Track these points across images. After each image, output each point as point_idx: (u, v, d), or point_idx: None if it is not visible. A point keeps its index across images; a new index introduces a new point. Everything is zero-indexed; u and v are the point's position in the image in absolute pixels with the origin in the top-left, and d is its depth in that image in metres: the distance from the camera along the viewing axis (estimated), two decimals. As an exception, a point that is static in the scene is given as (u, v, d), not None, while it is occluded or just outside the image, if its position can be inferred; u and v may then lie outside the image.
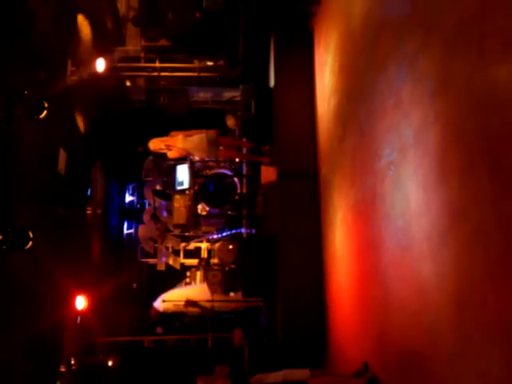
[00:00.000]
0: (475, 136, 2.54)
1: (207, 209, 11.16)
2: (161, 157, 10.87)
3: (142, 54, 10.72)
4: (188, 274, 11.39)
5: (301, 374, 3.97)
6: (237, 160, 11.07)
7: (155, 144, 8.04)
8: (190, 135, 7.99)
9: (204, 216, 11.13)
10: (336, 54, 5.87)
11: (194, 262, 11.82)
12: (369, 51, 4.48)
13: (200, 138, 7.95)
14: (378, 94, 4.12)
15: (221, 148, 8.58)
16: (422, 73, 3.21)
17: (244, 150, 10.52)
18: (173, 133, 8.09)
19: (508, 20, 2.26)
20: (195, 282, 11.05)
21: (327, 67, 6.36)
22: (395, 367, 3.68)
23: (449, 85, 2.84)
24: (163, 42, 10.23)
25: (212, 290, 8.29)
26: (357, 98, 4.92)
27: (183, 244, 11.98)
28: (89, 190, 9.79)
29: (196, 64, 10.93)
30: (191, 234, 11.72)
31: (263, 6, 7.63)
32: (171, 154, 8.13)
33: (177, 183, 9.54)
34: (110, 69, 9.87)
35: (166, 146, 7.95)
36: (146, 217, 11.75)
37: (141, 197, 12.49)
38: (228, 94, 11.76)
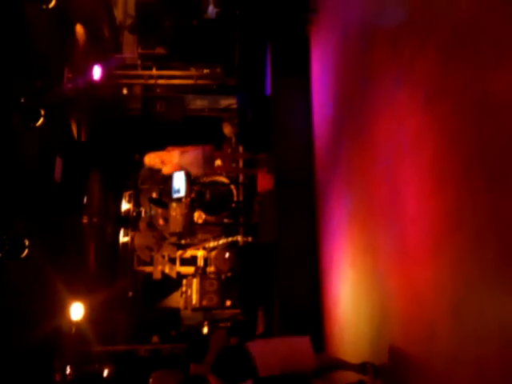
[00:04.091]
0: (471, 143, 2.54)
1: (203, 217, 11.14)
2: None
3: (139, 62, 10.75)
4: (184, 282, 11.35)
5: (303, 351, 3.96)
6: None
7: (151, 159, 8.00)
8: (186, 151, 7.96)
9: (200, 224, 11.11)
10: (332, 61, 5.89)
11: (190, 270, 11.78)
12: (365, 58, 4.50)
13: (196, 154, 7.93)
14: (374, 101, 4.14)
15: (217, 162, 8.58)
16: (418, 80, 3.22)
17: (240, 161, 10.54)
18: (169, 148, 8.06)
19: (503, 27, 2.27)
20: (191, 291, 11.02)
21: (324, 75, 6.38)
22: (392, 373, 3.67)
23: (445, 92, 2.85)
24: (160, 50, 10.25)
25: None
26: (353, 105, 4.93)
27: (179, 252, 11.94)
28: (85, 198, 9.76)
29: (193, 72, 10.95)
30: (187, 241, 11.68)
31: (260, 13, 7.66)
32: (166, 170, 8.10)
33: (173, 191, 9.51)
34: (107, 76, 9.88)
35: (161, 160, 7.91)
36: (142, 225, 11.71)
37: (137, 205, 12.45)
38: (225, 102, 11.77)
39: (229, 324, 11.15)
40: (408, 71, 3.38)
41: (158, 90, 11.76)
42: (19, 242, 5.87)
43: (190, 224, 10.20)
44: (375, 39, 4.19)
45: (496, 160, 2.32)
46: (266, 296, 7.23)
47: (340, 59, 5.55)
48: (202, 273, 11.30)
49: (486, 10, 2.43)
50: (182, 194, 9.30)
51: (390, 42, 3.82)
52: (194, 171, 8.37)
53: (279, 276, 6.53)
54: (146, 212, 11.76)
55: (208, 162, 7.99)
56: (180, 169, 8.12)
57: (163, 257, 11.82)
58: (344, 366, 4.28)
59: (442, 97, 2.88)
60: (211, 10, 9.83)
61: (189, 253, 12.08)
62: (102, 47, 10.34)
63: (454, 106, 2.73)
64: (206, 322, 11.40)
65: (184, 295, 11.25)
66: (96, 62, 9.25)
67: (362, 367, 3.99)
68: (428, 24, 3.09)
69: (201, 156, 7.89)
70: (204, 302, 10.92)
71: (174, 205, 9.86)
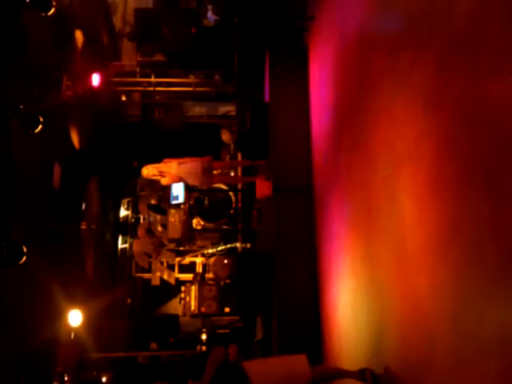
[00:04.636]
0: (469, 150, 2.55)
1: (202, 223, 11.15)
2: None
3: (138, 69, 10.78)
4: (183, 288, 11.33)
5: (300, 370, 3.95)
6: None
7: (149, 170, 7.99)
8: (184, 162, 7.96)
9: (199, 230, 11.11)
10: (330, 69, 5.91)
11: (188, 276, 11.77)
12: (363, 67, 4.51)
13: (194, 165, 7.91)
14: (372, 108, 4.15)
15: (215, 172, 8.58)
16: (416, 88, 3.23)
17: (239, 170, 10.56)
18: (166, 160, 8.05)
19: (500, 36, 2.28)
20: (190, 297, 11.00)
21: (322, 82, 6.40)
22: (390, 382, 3.66)
23: (442, 100, 2.86)
24: (159, 57, 10.29)
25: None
26: (351, 112, 4.94)
27: (178, 258, 11.94)
28: (83, 205, 9.76)
29: (191, 79, 10.99)
30: (186, 248, 11.68)
31: (258, 21, 7.69)
32: (164, 181, 8.09)
33: (172, 197, 9.53)
34: (106, 83, 9.90)
35: (159, 172, 7.90)
36: (140, 231, 11.70)
37: (136, 211, 12.45)
38: (223, 109, 11.81)
39: (227, 330, 11.14)
40: (406, 79, 3.40)
41: (157, 97, 11.78)
42: (17, 248, 5.86)
43: (188, 230, 10.21)
44: (373, 47, 4.21)
45: (494, 168, 2.32)
46: (264, 302, 7.21)
47: (338, 66, 5.56)
48: (200, 279, 11.28)
49: (484, 19, 2.44)
50: (181, 200, 9.32)
51: (388, 49, 3.84)
52: (193, 182, 8.36)
53: (278, 282, 6.52)
54: (144, 218, 11.76)
55: (206, 173, 7.99)
56: (178, 180, 8.11)
57: (162, 263, 11.81)
58: (342, 374, 4.26)
59: (440, 105, 2.89)
60: (210, 15, 9.89)
61: (187, 259, 12.07)
62: (101, 54, 10.36)
63: (453, 114, 2.74)
64: (204, 329, 11.38)
65: (183, 302, 11.23)
66: (95, 69, 9.28)
67: (361, 374, 3.99)
68: (426, 32, 3.10)
69: (199, 167, 7.89)
70: (203, 309, 10.90)
71: (172, 211, 9.88)
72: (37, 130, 6.50)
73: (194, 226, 10.96)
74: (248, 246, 10.26)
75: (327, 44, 6.14)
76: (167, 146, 10.64)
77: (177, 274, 11.99)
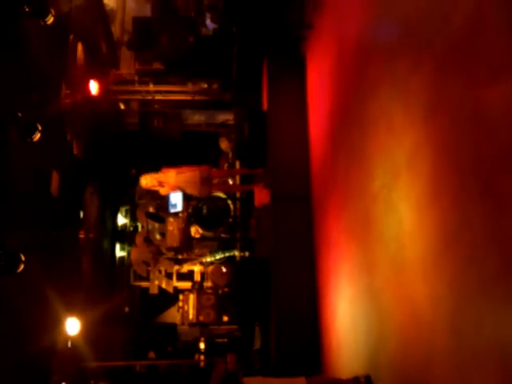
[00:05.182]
0: (467, 158, 2.55)
1: (201, 231, 11.12)
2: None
3: (136, 78, 10.79)
4: (181, 297, 11.29)
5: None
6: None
7: (147, 181, 7.99)
8: (183, 172, 7.96)
9: (197, 239, 11.09)
10: (328, 77, 5.92)
11: (187, 285, 11.73)
12: (361, 74, 4.52)
13: (193, 175, 7.92)
14: (370, 116, 4.15)
15: (213, 181, 8.59)
16: (414, 96, 3.23)
17: (237, 178, 10.55)
18: (164, 169, 8.06)
19: (497, 44, 2.29)
20: (188, 306, 10.96)
21: (320, 90, 6.41)
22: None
23: (440, 108, 2.86)
24: (157, 66, 10.30)
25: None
26: (349, 120, 4.95)
27: (176, 267, 11.90)
28: (82, 213, 9.75)
29: (190, 87, 11.00)
30: (184, 256, 11.64)
31: (256, 30, 7.72)
32: (163, 191, 8.09)
33: (170, 206, 9.51)
34: (104, 92, 9.91)
35: (158, 182, 7.91)
36: (138, 239, 11.67)
37: (134, 219, 12.44)
38: (222, 117, 11.81)
39: (226, 339, 11.09)
40: (404, 86, 3.40)
41: (156, 106, 11.79)
42: (15, 256, 5.84)
43: (186, 239, 10.17)
44: (371, 54, 4.22)
45: (493, 174, 2.32)
46: (263, 311, 7.19)
47: (336, 74, 5.57)
48: (198, 288, 11.24)
49: (481, 26, 2.45)
50: (179, 208, 9.29)
51: (385, 56, 3.85)
52: (192, 192, 8.36)
53: (276, 291, 6.50)
54: (142, 227, 11.74)
55: (205, 182, 7.99)
56: (177, 189, 8.11)
57: (160, 272, 11.77)
58: (339, 383, 4.27)
59: (437, 111, 2.90)
60: (209, 23, 9.93)
61: (186, 268, 12.03)
62: (100, 63, 10.38)
63: (450, 122, 2.74)
64: (202, 338, 11.34)
65: (181, 310, 11.18)
66: (93, 77, 9.29)
67: (355, 381, 3.99)
68: (424, 39, 3.11)
69: (198, 177, 7.89)
70: (201, 318, 10.84)
71: (170, 219, 9.84)
72: (35, 138, 6.50)
73: (192, 234, 10.92)
74: (246, 254, 10.23)
75: (325, 52, 6.16)
76: (165, 154, 10.64)
77: (175, 283, 11.95)
